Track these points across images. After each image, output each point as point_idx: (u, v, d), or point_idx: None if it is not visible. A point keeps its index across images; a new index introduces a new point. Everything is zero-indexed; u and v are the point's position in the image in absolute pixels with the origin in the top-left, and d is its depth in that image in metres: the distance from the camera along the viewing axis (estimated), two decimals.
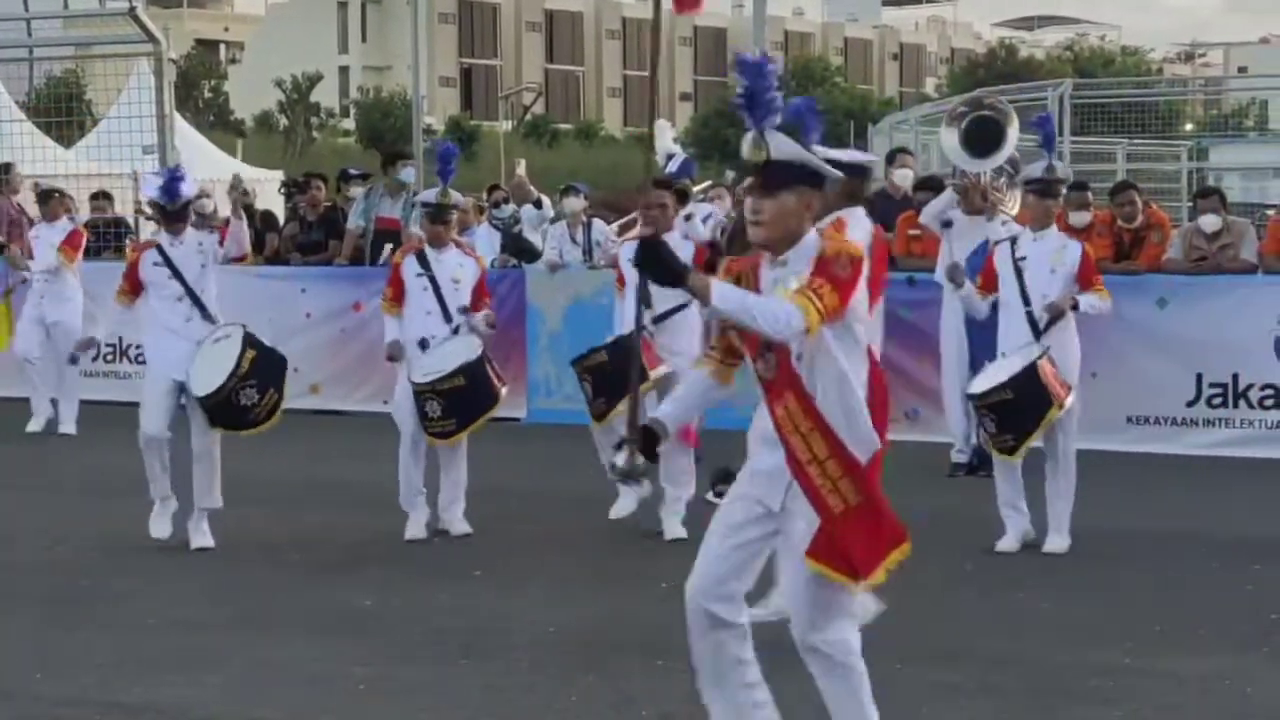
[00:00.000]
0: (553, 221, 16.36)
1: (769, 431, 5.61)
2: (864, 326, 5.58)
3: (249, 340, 10.29)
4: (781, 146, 5.39)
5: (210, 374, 10.18)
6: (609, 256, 15.00)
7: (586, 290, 14.70)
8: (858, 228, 7.82)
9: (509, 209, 17.18)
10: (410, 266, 10.66)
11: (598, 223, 15.63)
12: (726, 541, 5.71)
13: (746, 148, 5.40)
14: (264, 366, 10.30)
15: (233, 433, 10.39)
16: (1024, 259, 9.99)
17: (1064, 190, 10.46)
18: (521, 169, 18.25)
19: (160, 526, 10.48)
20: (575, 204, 15.79)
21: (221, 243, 10.45)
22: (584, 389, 10.63)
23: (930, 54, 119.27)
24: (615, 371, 10.22)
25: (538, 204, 16.83)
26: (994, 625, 8.45)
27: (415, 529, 10.59)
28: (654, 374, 10.23)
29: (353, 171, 17.77)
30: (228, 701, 7.30)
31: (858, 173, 8.03)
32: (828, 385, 5.49)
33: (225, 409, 10.21)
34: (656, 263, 5.27)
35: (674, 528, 10.35)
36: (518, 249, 16.19)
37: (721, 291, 5.28)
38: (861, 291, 5.47)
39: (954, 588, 9.20)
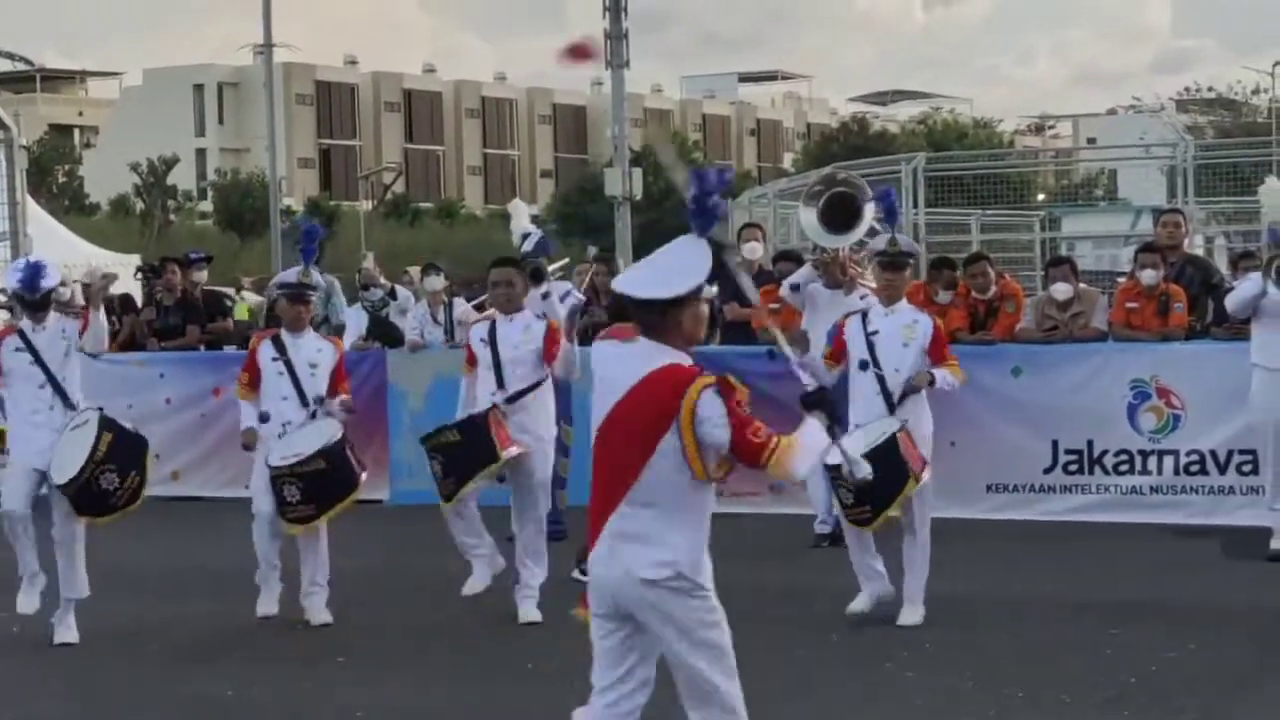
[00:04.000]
0: (416, 300, 16.40)
1: None
2: None
3: (105, 423, 10.08)
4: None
5: (68, 462, 9.99)
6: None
7: (448, 369, 14.61)
8: None
9: (378, 292, 17.15)
10: (266, 351, 10.54)
11: (459, 301, 15.62)
12: None
13: None
14: (122, 448, 10.09)
15: (100, 519, 10.18)
16: (876, 333, 10.06)
17: (909, 263, 10.58)
18: (369, 261, 18.24)
19: (28, 602, 10.27)
20: (435, 283, 15.81)
21: (81, 333, 10.27)
22: (432, 468, 10.36)
23: (787, 129, 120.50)
24: (466, 450, 10.12)
25: (391, 294, 16.83)
26: (861, 696, 8.49)
27: (267, 605, 10.48)
28: (504, 454, 10.13)
29: (193, 255, 17.68)
30: None
31: None
32: None
33: (87, 495, 10.00)
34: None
35: (529, 611, 10.29)
36: (381, 333, 16.16)
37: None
38: None
39: (820, 659, 9.24)
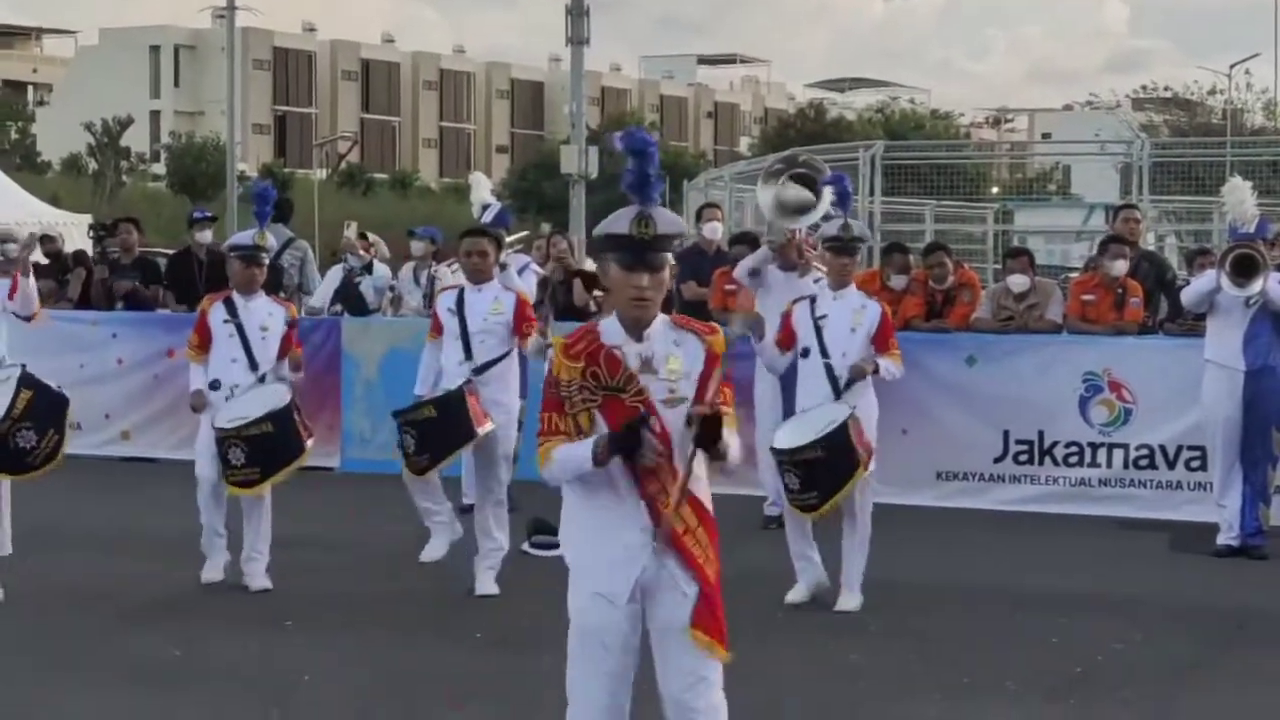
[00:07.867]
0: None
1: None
2: None
3: (25, 380, 9.91)
4: (667, 220, 5.38)
5: None
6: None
7: (402, 340, 14.61)
8: None
9: (357, 260, 17.06)
10: (218, 313, 10.41)
11: (441, 268, 15.40)
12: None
13: (633, 225, 5.33)
14: (42, 407, 9.92)
15: (15, 477, 10.06)
16: (824, 317, 10.04)
17: (859, 248, 10.60)
18: (351, 231, 18.19)
19: None
20: (416, 248, 15.80)
21: (11, 297, 10.16)
22: (405, 441, 10.17)
23: (745, 113, 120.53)
24: (443, 428, 10.03)
25: (368, 268, 16.79)
26: (805, 676, 8.52)
27: (212, 572, 10.42)
28: (480, 431, 10.08)
29: (198, 214, 17.51)
30: None
31: None
32: (696, 463, 5.57)
33: (2, 452, 9.86)
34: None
35: (486, 583, 10.27)
36: (347, 297, 16.13)
37: (732, 453, 5.43)
38: None
39: (765, 639, 9.26)
